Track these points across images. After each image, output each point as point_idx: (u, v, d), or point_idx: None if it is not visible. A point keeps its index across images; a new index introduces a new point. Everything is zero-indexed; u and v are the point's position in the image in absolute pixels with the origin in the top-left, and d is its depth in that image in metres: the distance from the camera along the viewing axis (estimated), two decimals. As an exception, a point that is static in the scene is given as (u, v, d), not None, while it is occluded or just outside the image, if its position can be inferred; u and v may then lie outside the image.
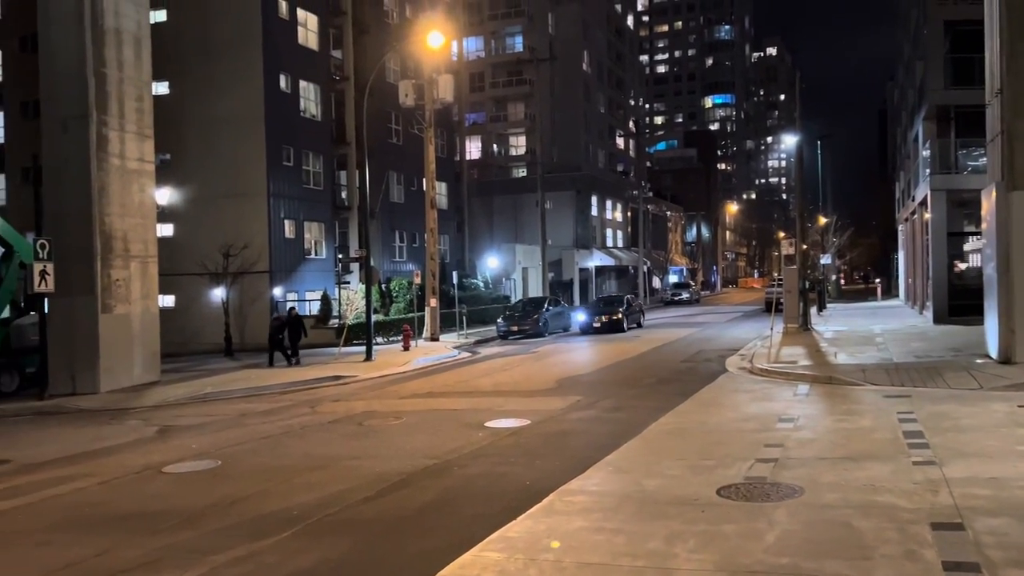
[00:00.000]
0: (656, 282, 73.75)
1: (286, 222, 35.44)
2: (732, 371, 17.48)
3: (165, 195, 30.20)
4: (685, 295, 63.18)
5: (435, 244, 32.08)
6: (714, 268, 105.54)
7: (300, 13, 36.42)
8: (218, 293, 32.02)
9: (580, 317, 33.85)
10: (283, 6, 35.35)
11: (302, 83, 36.52)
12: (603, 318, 32.62)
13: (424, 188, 33.77)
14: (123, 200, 21.09)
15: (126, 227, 21.16)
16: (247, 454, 11.14)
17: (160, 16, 32.85)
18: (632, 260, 68.70)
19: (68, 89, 20.45)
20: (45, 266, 18.44)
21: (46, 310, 19.68)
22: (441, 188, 45.86)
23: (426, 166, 31.68)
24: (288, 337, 24.63)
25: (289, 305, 28.97)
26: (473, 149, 66.45)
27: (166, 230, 32.28)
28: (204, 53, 34.54)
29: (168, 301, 32.08)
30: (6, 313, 22.72)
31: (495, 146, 69.34)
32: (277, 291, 34.30)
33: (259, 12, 33.97)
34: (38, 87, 21.42)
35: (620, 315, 32.95)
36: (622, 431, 10.80)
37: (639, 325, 34.94)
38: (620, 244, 73.39)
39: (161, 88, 31.96)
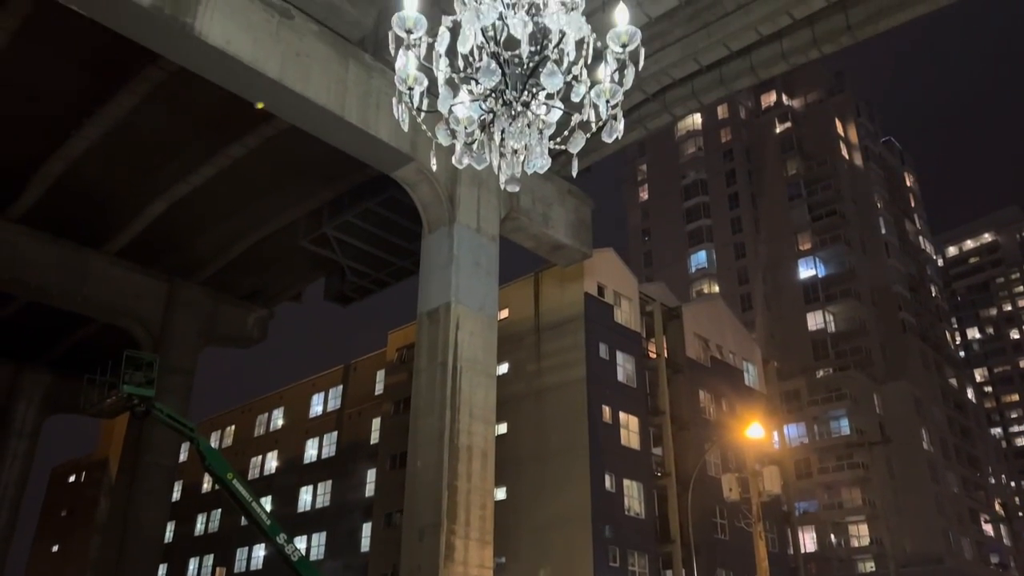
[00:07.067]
0: None
1: (613, 627, 33.96)
2: None
3: (498, 599, 31.02)
4: None
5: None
6: None
7: (622, 416, 38.99)
8: None
9: None
10: (607, 412, 38.24)
11: (625, 481, 37.57)
12: None
13: (758, 590, 30.88)
14: (463, 606, 21.96)
15: (464, 634, 21.70)
16: None
17: (502, 429, 37.12)
18: None
19: (425, 501, 23.08)
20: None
21: None
22: (777, 588, 41.57)
23: (758, 564, 29.36)
24: None
25: None
26: (807, 540, 60.77)
27: (497, 635, 32.49)
28: (537, 460, 37.67)
29: None
30: None
31: (832, 536, 62.86)
32: None
33: (586, 420, 37.03)
34: (399, 499, 24.59)
35: None
36: None
37: None
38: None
39: (499, 494, 34.79)
